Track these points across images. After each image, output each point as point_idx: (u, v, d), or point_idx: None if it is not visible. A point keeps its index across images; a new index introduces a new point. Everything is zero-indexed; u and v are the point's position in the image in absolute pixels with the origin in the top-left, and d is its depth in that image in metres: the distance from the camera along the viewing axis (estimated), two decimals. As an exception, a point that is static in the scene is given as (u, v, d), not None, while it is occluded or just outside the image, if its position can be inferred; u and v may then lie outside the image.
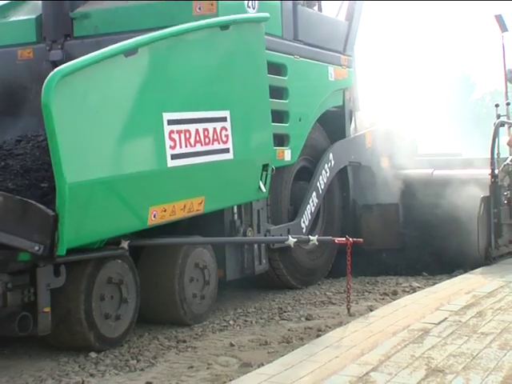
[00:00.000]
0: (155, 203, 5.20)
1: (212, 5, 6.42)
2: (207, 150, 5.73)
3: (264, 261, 6.88)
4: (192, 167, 5.57)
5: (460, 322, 5.38)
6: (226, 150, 5.94)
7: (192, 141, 5.55)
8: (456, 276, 7.44)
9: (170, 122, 5.34)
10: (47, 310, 4.63)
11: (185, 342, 5.50)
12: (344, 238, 5.94)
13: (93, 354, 4.99)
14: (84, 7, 6.72)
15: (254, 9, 6.84)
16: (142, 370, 4.75)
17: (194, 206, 5.58)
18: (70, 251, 4.63)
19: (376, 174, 8.67)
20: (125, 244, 5.19)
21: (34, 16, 6.71)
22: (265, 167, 6.31)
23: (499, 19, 11.18)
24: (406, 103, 9.62)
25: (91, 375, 4.62)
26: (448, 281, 7.22)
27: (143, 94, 5.23)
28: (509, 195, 8.59)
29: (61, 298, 4.82)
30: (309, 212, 7.56)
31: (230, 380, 4.27)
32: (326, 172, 7.85)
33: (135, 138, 5.19)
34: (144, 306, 5.56)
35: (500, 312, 5.70)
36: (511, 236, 8.70)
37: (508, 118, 9.04)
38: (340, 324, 5.69)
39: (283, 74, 7.27)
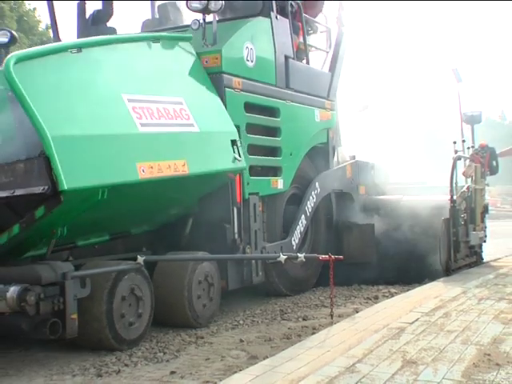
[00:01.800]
0: (140, 160, 5.16)
1: (216, 58, 6.48)
2: (173, 122, 5.74)
3: (260, 273, 6.92)
4: (164, 135, 5.59)
5: (430, 321, 5.47)
6: (191, 125, 5.94)
7: (156, 115, 5.57)
8: (425, 284, 7.51)
9: (131, 100, 5.36)
10: (74, 316, 4.69)
11: (203, 338, 5.59)
12: (327, 256, 5.93)
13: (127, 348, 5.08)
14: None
15: (252, 62, 6.91)
16: (167, 361, 4.85)
17: (178, 166, 5.55)
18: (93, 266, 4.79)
19: (355, 200, 8.75)
20: (141, 260, 5.29)
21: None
22: (234, 142, 6.29)
23: (455, 72, 11.25)
24: (381, 142, 9.66)
25: (126, 365, 4.74)
26: (419, 288, 7.33)
27: (99, 77, 5.41)
28: (465, 217, 8.68)
29: (86, 306, 4.86)
30: (298, 232, 7.59)
31: (240, 370, 4.35)
32: (313, 198, 7.89)
33: (101, 107, 5.19)
34: (157, 311, 5.59)
35: (462, 313, 5.79)
36: (467, 251, 8.84)
37: (463, 153, 9.04)
38: (331, 324, 5.74)
39: (277, 116, 7.35)
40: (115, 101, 5.30)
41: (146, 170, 5.18)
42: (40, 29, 29.55)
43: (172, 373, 4.49)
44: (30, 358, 4.99)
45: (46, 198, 4.53)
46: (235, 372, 4.32)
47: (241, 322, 6.28)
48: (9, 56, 4.60)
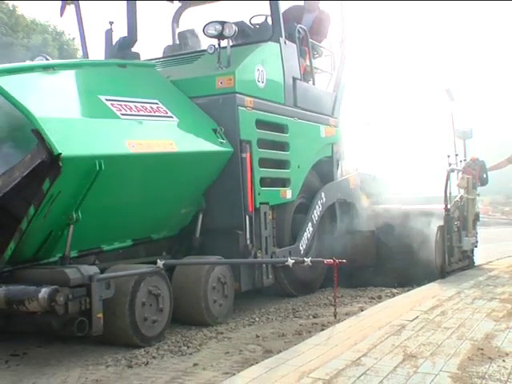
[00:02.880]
0: (128, 138, 5.18)
1: (230, 80, 6.44)
2: (152, 115, 5.74)
3: (270, 276, 6.87)
4: (146, 121, 5.61)
5: (428, 319, 5.42)
6: (171, 117, 5.95)
7: (134, 110, 5.58)
8: (424, 285, 7.43)
9: (108, 100, 5.40)
10: (100, 315, 4.66)
11: (222, 333, 5.60)
12: (331, 260, 5.90)
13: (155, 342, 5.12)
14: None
15: (263, 83, 6.88)
16: (190, 354, 4.87)
17: (166, 145, 5.56)
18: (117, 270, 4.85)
19: (357, 208, 8.68)
20: (160, 264, 5.26)
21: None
22: (215, 130, 6.29)
23: (448, 92, 11.21)
24: (381, 155, 9.64)
25: (153, 357, 4.77)
26: (418, 288, 7.26)
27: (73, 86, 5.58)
28: (458, 224, 8.62)
29: (111, 306, 4.83)
30: (305, 238, 7.54)
31: (256, 362, 4.33)
32: (319, 207, 7.84)
33: (80, 103, 5.36)
34: (176, 311, 5.57)
35: (457, 311, 5.75)
36: (460, 255, 8.71)
37: (456, 166, 8.98)
38: (338, 321, 5.71)
39: (285, 132, 7.29)
40: (94, 99, 5.34)
41: (136, 145, 5.19)
42: (78, 56, 29.88)
43: (195, 365, 4.52)
44: (69, 350, 5.00)
45: (48, 171, 4.53)
46: (252, 364, 4.32)
47: (256, 319, 6.29)
48: None
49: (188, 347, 5.08)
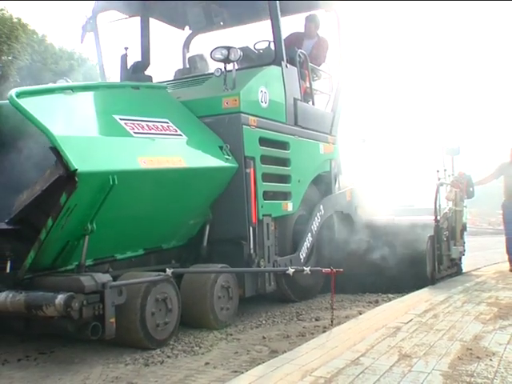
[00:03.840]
0: (140, 155, 5.13)
1: (235, 100, 6.40)
2: (162, 133, 5.69)
3: (272, 283, 6.77)
4: (157, 139, 5.55)
5: (421, 321, 5.41)
6: (180, 135, 5.89)
7: (146, 128, 5.52)
8: (417, 290, 7.39)
9: (121, 119, 5.34)
10: (112, 320, 4.60)
11: (231, 335, 5.57)
12: (329, 269, 5.86)
13: (170, 342, 5.14)
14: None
15: (266, 103, 6.83)
16: (202, 354, 4.86)
17: (175, 162, 5.49)
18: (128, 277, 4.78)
19: (353, 219, 8.60)
20: (169, 272, 5.20)
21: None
22: (221, 147, 6.23)
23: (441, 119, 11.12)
24: (376, 170, 9.58)
25: (168, 357, 4.77)
26: (412, 293, 7.20)
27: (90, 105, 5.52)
28: (447, 234, 8.61)
29: (123, 311, 4.76)
30: (305, 247, 7.46)
31: (263, 362, 4.32)
32: (318, 218, 7.77)
33: (96, 121, 5.30)
34: (185, 315, 5.51)
35: (448, 314, 5.74)
36: (449, 263, 8.68)
37: (445, 180, 8.94)
38: (339, 323, 5.67)
39: (287, 149, 7.23)
40: (108, 119, 5.29)
41: (147, 162, 5.14)
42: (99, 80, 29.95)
43: (206, 363, 4.52)
44: (91, 350, 4.98)
45: (65, 186, 4.48)
46: (259, 364, 4.30)
47: (263, 321, 6.24)
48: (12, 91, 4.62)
49: (200, 347, 5.08)
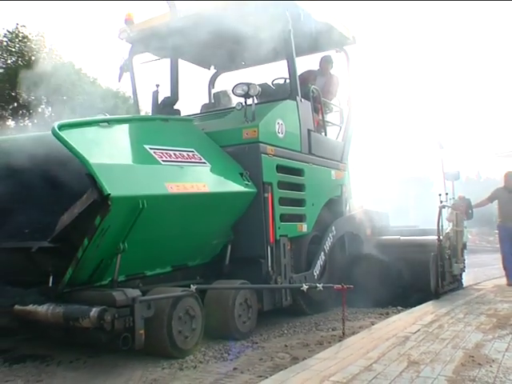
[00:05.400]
0: (167, 181, 5.07)
1: (254, 131, 6.37)
2: (188, 161, 5.65)
3: (289, 297, 6.66)
4: (183, 166, 5.50)
5: (428, 331, 5.36)
6: (204, 162, 5.85)
7: (173, 157, 5.47)
8: (423, 304, 7.29)
9: (151, 148, 5.31)
10: (142, 332, 4.54)
11: (257, 343, 5.55)
12: (340, 285, 5.79)
13: (202, 348, 5.11)
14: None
15: (282, 134, 6.80)
16: (231, 360, 4.86)
17: (199, 187, 5.44)
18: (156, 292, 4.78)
19: (363, 239, 8.48)
20: (193, 288, 5.14)
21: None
22: (241, 174, 6.19)
23: (438, 141, 11.10)
24: (383, 195, 9.51)
25: (200, 362, 4.77)
26: (419, 306, 7.11)
27: (125, 136, 5.50)
28: (449, 253, 8.47)
29: (151, 323, 4.69)
30: (319, 265, 7.35)
31: (285, 368, 4.30)
32: (330, 238, 7.67)
33: (128, 151, 5.27)
34: (208, 326, 5.40)
35: (452, 325, 5.69)
36: (451, 279, 8.51)
37: (446, 203, 8.84)
38: (353, 333, 5.63)
39: (302, 175, 7.17)
40: (139, 148, 5.27)
41: (174, 187, 5.10)
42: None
43: (234, 369, 4.54)
44: (132, 355, 4.89)
45: (99, 209, 4.45)
46: (281, 369, 4.29)
47: (285, 331, 6.20)
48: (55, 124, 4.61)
49: (228, 354, 5.07)
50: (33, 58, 21.92)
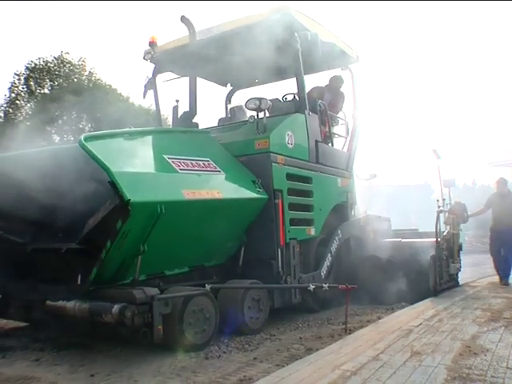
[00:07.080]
0: (184, 188, 4.95)
1: (266, 142, 6.25)
2: (204, 169, 5.51)
3: (298, 296, 6.50)
4: (199, 174, 5.36)
5: (429, 324, 5.31)
6: (218, 171, 5.70)
7: (190, 166, 5.34)
8: (424, 300, 7.12)
9: (170, 158, 5.17)
10: (160, 327, 4.43)
11: (274, 335, 5.52)
12: (345, 285, 5.69)
13: (225, 340, 5.15)
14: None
15: (291, 145, 6.65)
16: (251, 350, 4.84)
17: (214, 194, 5.30)
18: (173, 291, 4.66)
19: (367, 242, 8.24)
20: (208, 287, 5.06)
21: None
22: (254, 182, 6.05)
23: (435, 152, 10.90)
24: (384, 200, 9.28)
25: (224, 352, 4.76)
26: (421, 302, 6.97)
27: (147, 147, 5.33)
28: (446, 254, 8.27)
29: (169, 319, 4.58)
30: (326, 265, 7.19)
31: (300, 358, 4.27)
32: (337, 241, 7.51)
33: (149, 160, 5.10)
34: (221, 322, 5.24)
35: (451, 319, 5.64)
36: (448, 278, 8.33)
37: (444, 208, 8.65)
38: (362, 327, 5.57)
39: (310, 183, 7.01)
40: (159, 158, 5.14)
41: (190, 193, 4.98)
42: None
43: (254, 358, 4.55)
44: (163, 346, 4.76)
45: (121, 213, 4.34)
46: (297, 359, 4.26)
47: (300, 325, 6.13)
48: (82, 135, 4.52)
49: (249, 345, 5.05)
50: (75, 80, 22.23)
